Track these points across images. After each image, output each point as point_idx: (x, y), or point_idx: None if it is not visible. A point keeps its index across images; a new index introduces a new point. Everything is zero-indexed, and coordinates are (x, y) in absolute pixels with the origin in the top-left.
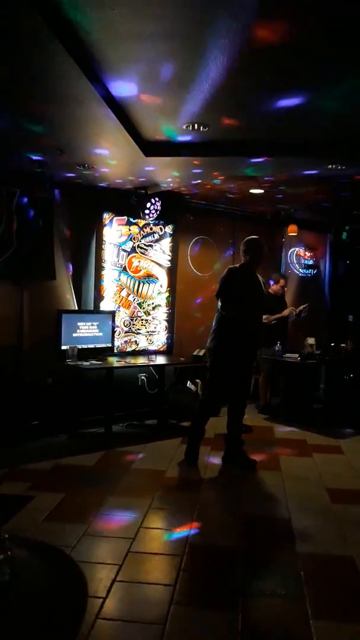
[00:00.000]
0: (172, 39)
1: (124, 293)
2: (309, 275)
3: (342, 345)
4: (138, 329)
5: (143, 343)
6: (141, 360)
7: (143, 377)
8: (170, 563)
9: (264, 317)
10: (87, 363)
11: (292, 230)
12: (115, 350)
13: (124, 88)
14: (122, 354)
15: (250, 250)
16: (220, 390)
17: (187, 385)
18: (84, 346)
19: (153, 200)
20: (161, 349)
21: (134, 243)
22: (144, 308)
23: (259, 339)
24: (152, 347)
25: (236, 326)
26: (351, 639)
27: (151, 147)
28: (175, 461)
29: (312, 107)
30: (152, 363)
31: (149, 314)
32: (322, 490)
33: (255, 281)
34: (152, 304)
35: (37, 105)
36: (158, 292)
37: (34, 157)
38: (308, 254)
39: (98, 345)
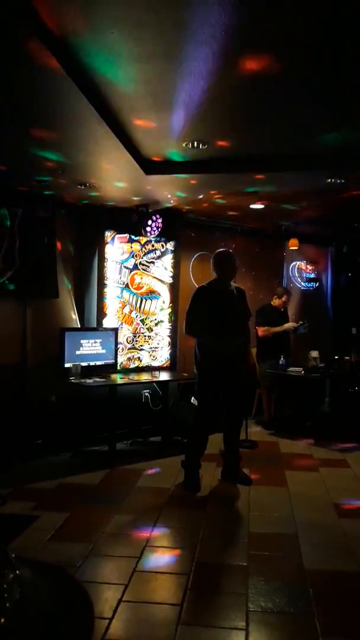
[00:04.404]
0: (170, 59)
1: (126, 310)
2: (311, 288)
3: (346, 358)
4: (141, 346)
5: (146, 359)
6: (144, 377)
7: (147, 394)
8: (177, 582)
9: (263, 329)
10: (91, 380)
11: (293, 244)
12: (118, 367)
13: (124, 107)
14: (126, 371)
15: (219, 265)
16: (209, 416)
17: (191, 401)
18: (87, 363)
19: (154, 218)
20: (164, 365)
21: (136, 260)
22: (146, 324)
23: (244, 354)
24: (155, 363)
25: (215, 350)
26: None
27: (151, 165)
28: (180, 478)
29: (311, 121)
30: (155, 379)
31: (152, 330)
32: (329, 505)
33: (231, 294)
34: (155, 320)
35: (38, 126)
36: (160, 309)
37: (37, 178)
38: (310, 267)
39: (101, 363)
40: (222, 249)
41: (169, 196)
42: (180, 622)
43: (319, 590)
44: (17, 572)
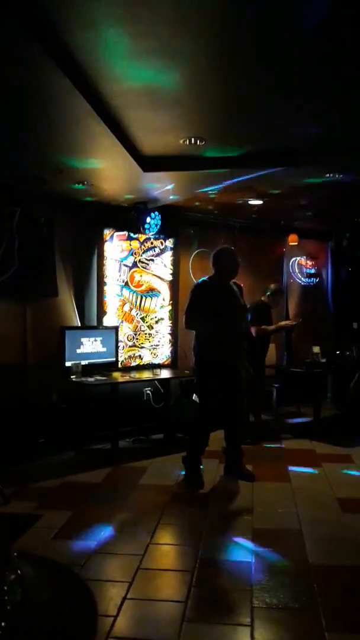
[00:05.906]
0: (166, 56)
1: (126, 308)
2: (312, 283)
3: (348, 353)
4: (142, 343)
5: (147, 357)
6: (146, 375)
7: (148, 392)
8: (181, 579)
9: (254, 328)
10: (92, 379)
11: (292, 240)
12: (119, 365)
13: (120, 105)
14: (127, 369)
15: (219, 261)
16: (210, 412)
17: (193, 398)
18: (88, 362)
19: (153, 215)
20: (165, 363)
21: (135, 258)
22: (147, 322)
23: (242, 352)
24: (157, 361)
25: (215, 346)
26: None
27: (149, 162)
28: (182, 476)
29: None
30: (156, 377)
31: (152, 327)
32: (332, 500)
33: (230, 292)
34: (155, 317)
35: (36, 125)
36: (161, 306)
37: (35, 175)
38: (310, 262)
39: (102, 361)
40: (223, 246)
41: (167, 193)
42: (185, 619)
43: (324, 585)
44: (19, 572)
